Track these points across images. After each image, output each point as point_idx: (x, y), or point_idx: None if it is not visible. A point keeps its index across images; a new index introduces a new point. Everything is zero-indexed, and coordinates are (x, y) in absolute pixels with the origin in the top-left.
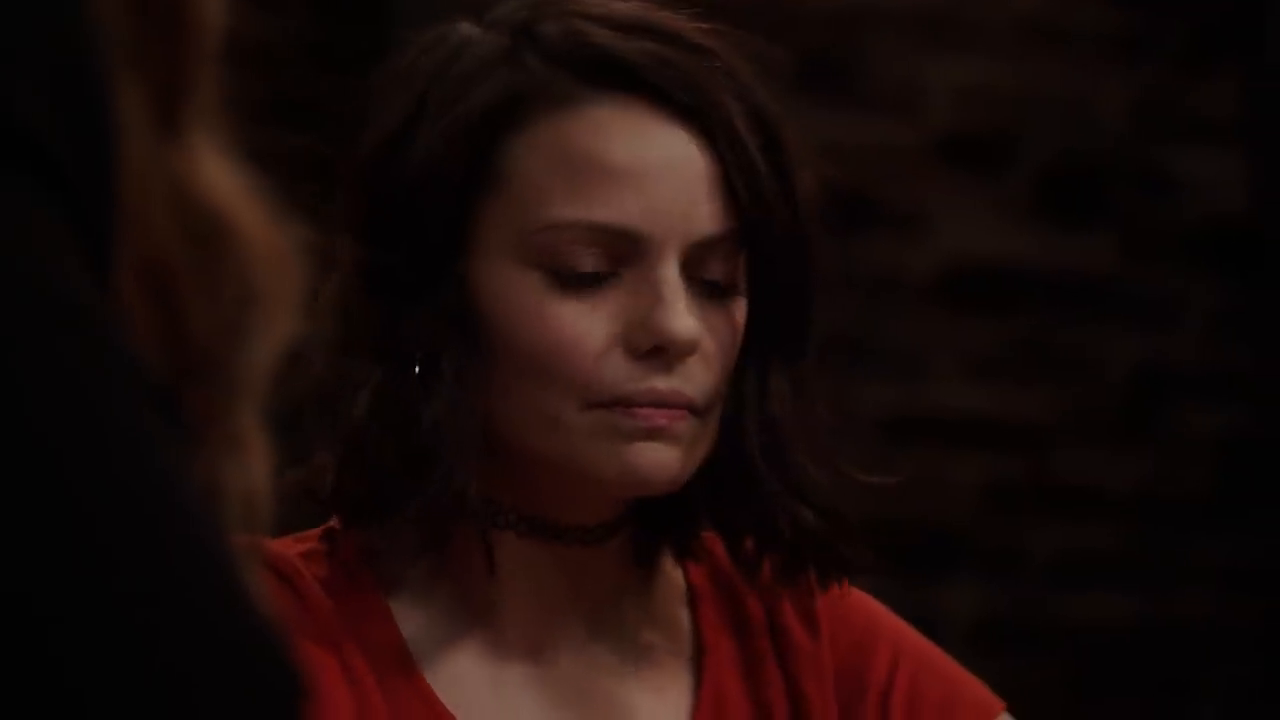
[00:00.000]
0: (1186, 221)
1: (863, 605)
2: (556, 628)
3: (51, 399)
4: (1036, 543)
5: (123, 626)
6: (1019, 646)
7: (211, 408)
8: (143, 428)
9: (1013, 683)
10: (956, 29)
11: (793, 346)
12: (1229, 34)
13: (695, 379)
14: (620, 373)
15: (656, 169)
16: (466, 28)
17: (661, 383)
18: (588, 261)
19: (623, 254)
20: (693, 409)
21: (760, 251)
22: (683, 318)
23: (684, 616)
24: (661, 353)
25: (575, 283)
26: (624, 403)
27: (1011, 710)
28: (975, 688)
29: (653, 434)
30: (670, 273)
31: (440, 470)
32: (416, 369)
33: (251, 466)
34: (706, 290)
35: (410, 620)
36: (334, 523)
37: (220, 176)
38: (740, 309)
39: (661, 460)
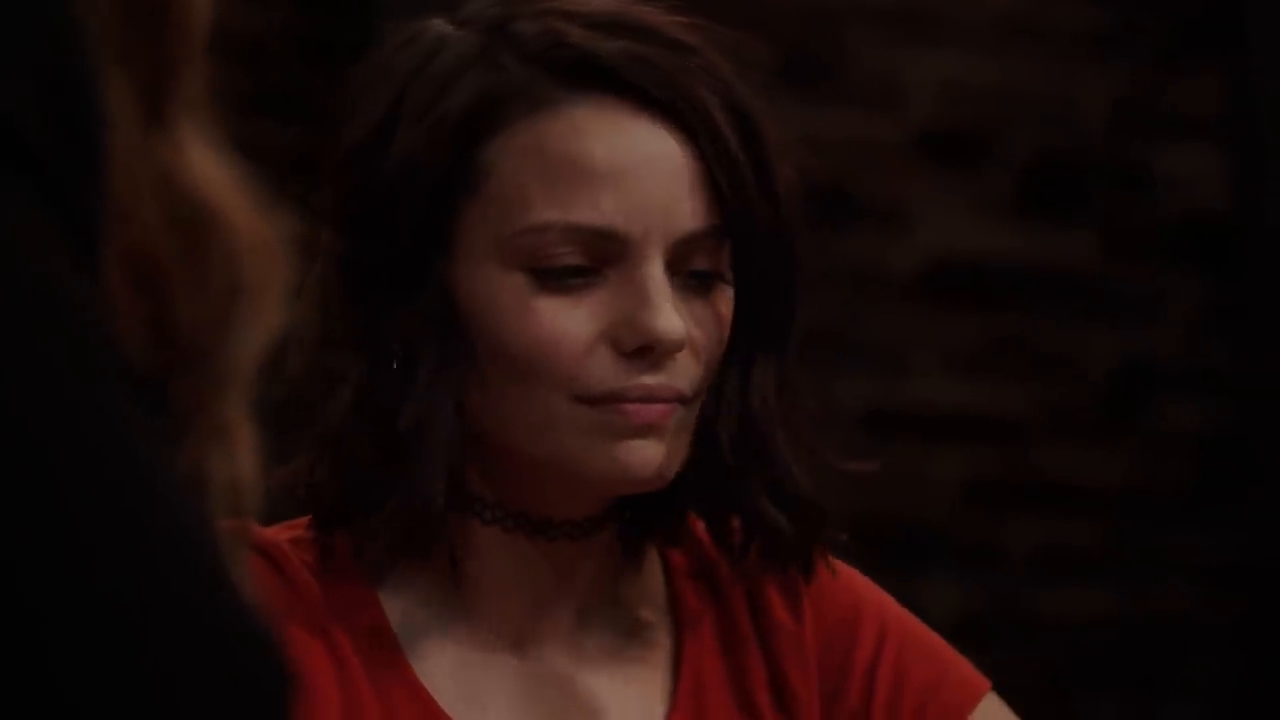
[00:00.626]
0: (1167, 218)
1: (849, 581)
2: (542, 619)
3: (33, 392)
4: (1016, 538)
5: (107, 618)
6: (998, 642)
7: (198, 398)
8: (126, 421)
9: (992, 678)
10: (938, 24)
11: (776, 340)
12: (1210, 30)
13: (684, 371)
14: (607, 369)
15: (636, 167)
16: (440, 25)
17: (650, 379)
18: (569, 261)
19: (605, 253)
20: (681, 400)
21: (743, 245)
22: (669, 317)
23: (665, 603)
24: (648, 351)
25: (558, 282)
26: (613, 398)
27: (996, 691)
28: (961, 666)
29: (641, 431)
30: (655, 271)
31: (413, 471)
32: (396, 367)
33: (238, 457)
34: (693, 283)
35: (397, 609)
36: None
37: (208, 168)
38: (727, 299)
39: (650, 457)
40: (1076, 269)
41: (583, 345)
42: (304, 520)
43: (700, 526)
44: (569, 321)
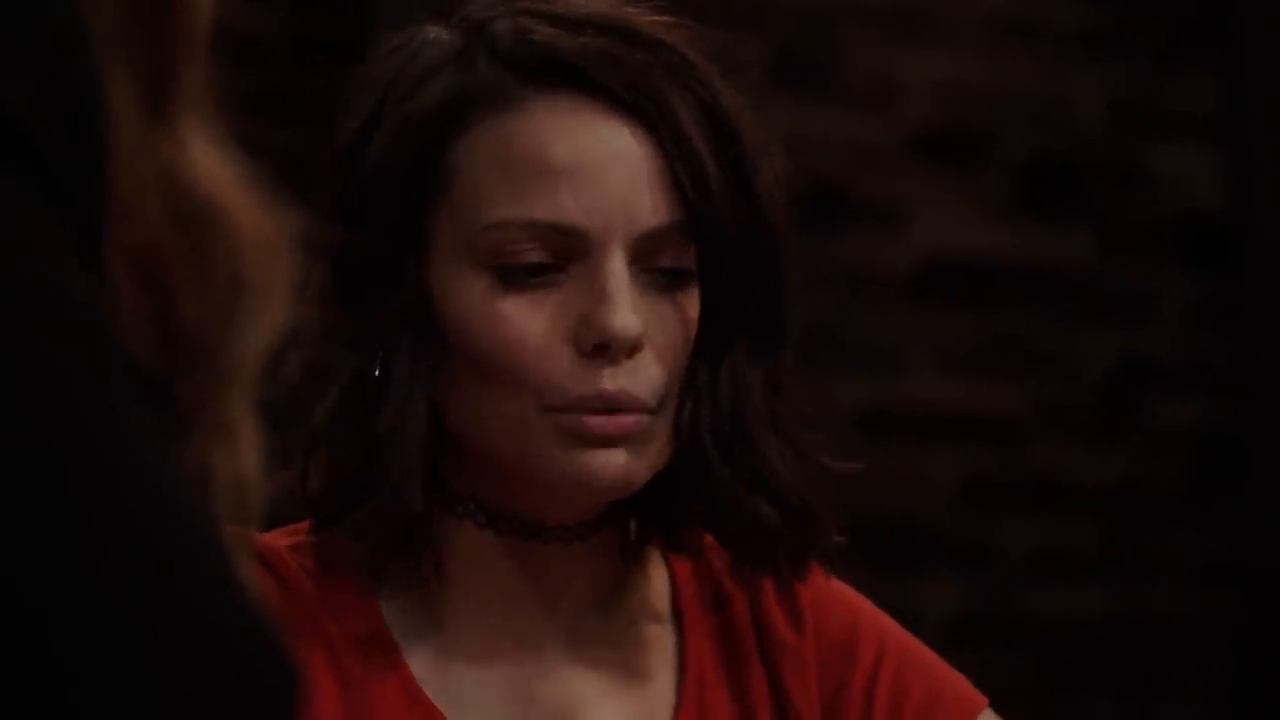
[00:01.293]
0: (1163, 216)
1: (847, 599)
2: (538, 625)
3: (38, 390)
4: (1012, 537)
5: (112, 616)
6: (994, 641)
7: (202, 396)
8: (131, 420)
9: (987, 678)
10: (933, 24)
11: (757, 337)
12: (1204, 29)
13: (645, 376)
14: (568, 372)
15: (597, 164)
16: (433, 28)
17: (609, 383)
18: (531, 258)
19: (567, 250)
20: (643, 407)
21: (709, 244)
22: (624, 315)
23: (667, 611)
24: (606, 349)
25: (521, 281)
26: (577, 408)
27: (991, 691)
28: (959, 683)
29: (605, 441)
30: (615, 267)
31: (390, 472)
32: (378, 368)
33: (242, 455)
34: (657, 281)
35: (395, 613)
36: None
37: (211, 166)
38: (692, 300)
39: (613, 464)
40: (1072, 268)
41: (543, 347)
42: (304, 525)
43: (708, 539)
44: (532, 323)
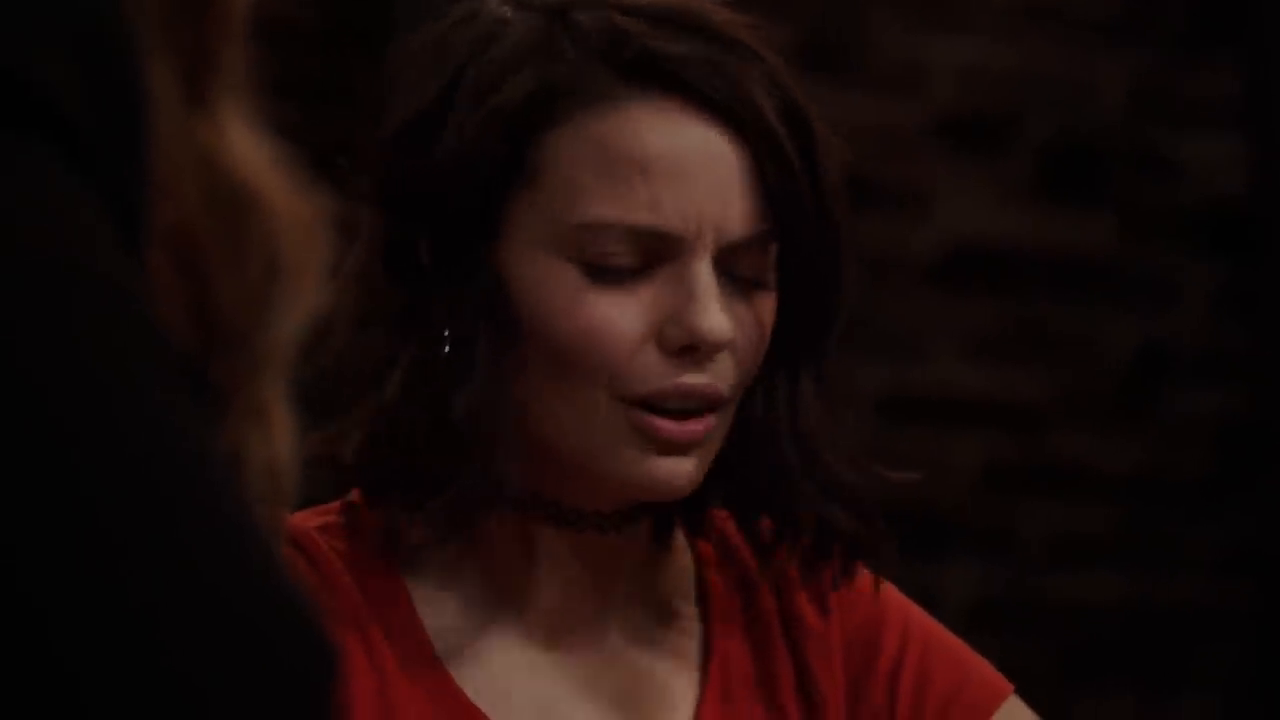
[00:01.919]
0: (1185, 203)
1: (872, 585)
2: (574, 614)
3: (68, 373)
4: (1032, 524)
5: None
6: (1013, 627)
7: (237, 379)
8: (165, 401)
9: (1006, 663)
10: (958, 10)
11: (820, 343)
12: (1227, 16)
13: (724, 373)
14: (651, 367)
15: (692, 168)
16: (497, 5)
17: (692, 378)
18: (623, 259)
19: (658, 252)
20: (719, 404)
21: (792, 249)
22: (716, 316)
23: (693, 596)
24: (693, 350)
25: (610, 277)
26: (652, 402)
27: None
28: (984, 669)
29: (674, 447)
30: (704, 271)
31: (476, 457)
32: (447, 351)
33: (275, 438)
34: (737, 286)
35: (430, 601)
36: (354, 497)
37: (248, 149)
38: (769, 306)
39: (679, 471)
40: (1094, 254)
41: (631, 341)
42: (334, 506)
43: (728, 524)
44: (620, 316)
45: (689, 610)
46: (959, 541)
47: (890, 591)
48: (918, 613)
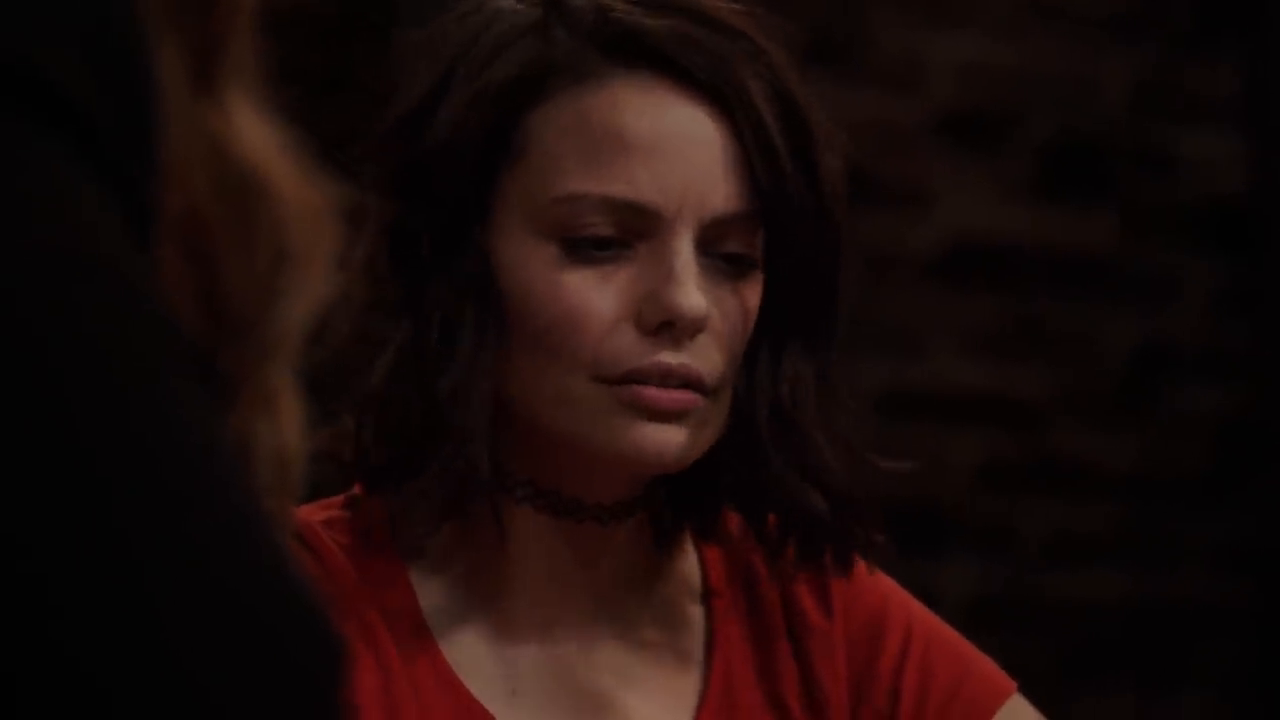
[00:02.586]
0: (1186, 200)
1: (876, 582)
2: (569, 605)
3: (75, 359)
4: (1032, 521)
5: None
6: (1012, 625)
7: (245, 367)
8: (175, 390)
9: (1005, 662)
10: (959, 6)
11: (813, 329)
12: (1230, 13)
13: (705, 356)
14: (629, 347)
15: (674, 145)
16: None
17: (670, 358)
18: (600, 230)
19: (636, 227)
20: (701, 386)
21: (778, 232)
22: (691, 294)
23: (697, 594)
24: (670, 328)
25: (588, 255)
26: (633, 379)
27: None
28: (986, 666)
29: (660, 415)
30: (683, 248)
31: (455, 439)
32: (436, 335)
33: (283, 426)
34: (722, 268)
35: (428, 589)
36: (357, 490)
37: (256, 136)
38: (755, 288)
39: (667, 440)
40: (1095, 251)
41: (607, 322)
42: (338, 499)
43: (735, 523)
44: (596, 296)
45: (692, 608)
46: (958, 539)
47: (893, 588)
48: (920, 610)
